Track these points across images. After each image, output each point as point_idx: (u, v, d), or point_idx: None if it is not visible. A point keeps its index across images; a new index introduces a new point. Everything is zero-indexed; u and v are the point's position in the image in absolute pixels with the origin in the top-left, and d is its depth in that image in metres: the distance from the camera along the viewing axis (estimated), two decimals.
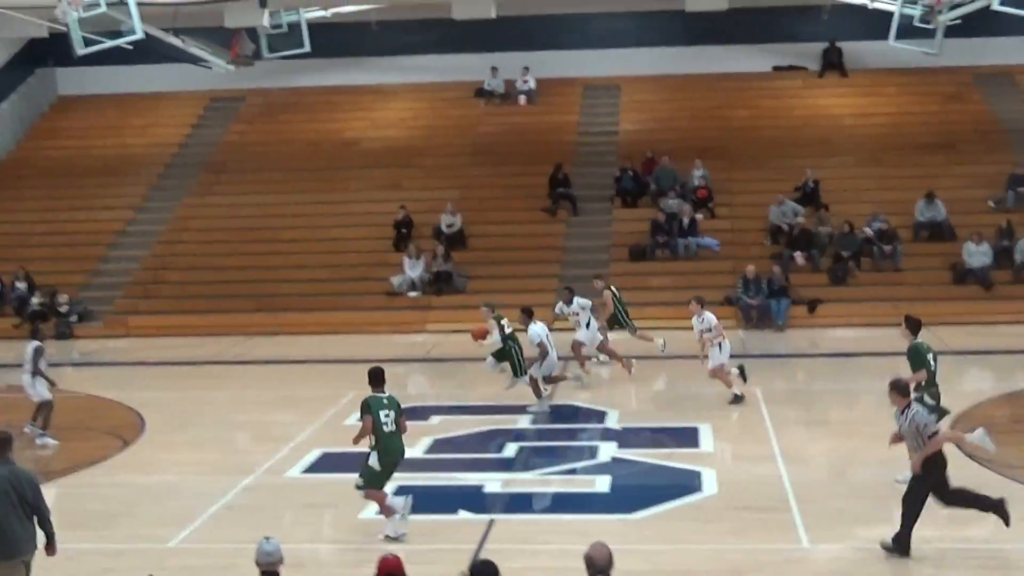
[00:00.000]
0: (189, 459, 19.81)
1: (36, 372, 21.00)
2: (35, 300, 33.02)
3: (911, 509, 14.25)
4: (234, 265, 34.83)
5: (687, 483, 17.51)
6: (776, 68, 42.06)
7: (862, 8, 34.41)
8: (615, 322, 26.80)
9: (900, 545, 14.21)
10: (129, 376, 27.36)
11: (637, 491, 17.48)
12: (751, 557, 14.34)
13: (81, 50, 27.13)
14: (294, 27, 34.44)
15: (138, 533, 15.87)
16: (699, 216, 34.77)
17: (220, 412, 23.33)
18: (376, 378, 15.60)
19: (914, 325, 17.87)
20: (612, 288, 26.96)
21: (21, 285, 33.61)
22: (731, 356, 23.44)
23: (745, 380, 23.05)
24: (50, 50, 40.63)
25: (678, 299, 31.73)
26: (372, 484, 15.46)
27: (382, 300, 33.08)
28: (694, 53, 41.16)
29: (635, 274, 33.40)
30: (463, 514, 16.39)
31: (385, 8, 37.40)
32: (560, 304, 26.01)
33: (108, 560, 14.81)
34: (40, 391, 21.11)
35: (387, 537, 15.24)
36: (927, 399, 17.28)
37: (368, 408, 15.34)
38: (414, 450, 19.71)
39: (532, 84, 41.48)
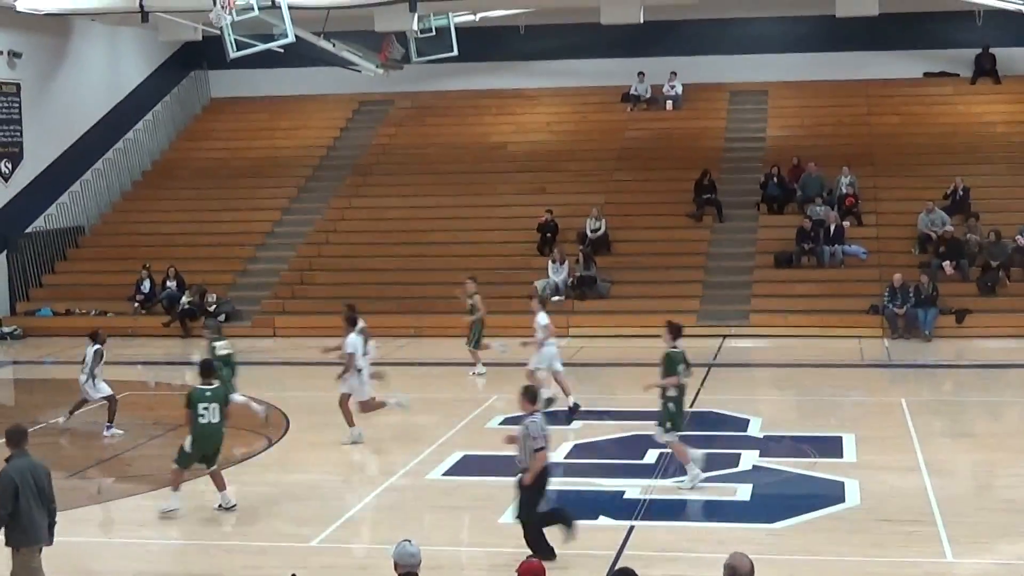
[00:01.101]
0: (332, 459, 20.04)
1: (92, 374, 21.69)
2: (184, 299, 33.68)
3: (534, 519, 14.43)
4: (379, 267, 35.16)
5: (830, 493, 17.30)
6: (927, 74, 41.33)
7: (1017, 14, 33.67)
8: (474, 330, 26.69)
9: (541, 551, 14.19)
10: (275, 376, 27.75)
11: (779, 500, 17.32)
12: (893, 570, 14.11)
13: (234, 53, 27.65)
14: (442, 31, 34.76)
15: (281, 531, 16.09)
16: (846, 223, 34.32)
17: (363, 413, 23.51)
18: (204, 371, 16.94)
19: (675, 330, 18.13)
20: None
21: (171, 284, 34.29)
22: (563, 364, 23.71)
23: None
24: (204, 53, 41.40)
25: (823, 307, 31.56)
26: (181, 463, 16.72)
27: (525, 304, 33.01)
28: (843, 59, 40.65)
29: (780, 281, 33.11)
30: (603, 520, 16.35)
31: (533, 12, 37.52)
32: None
33: (252, 557, 15.03)
34: (101, 388, 21.84)
35: (162, 512, 16.59)
36: (670, 407, 17.75)
37: (188, 400, 16.60)
38: (555, 455, 19.74)
39: (679, 89, 41.28)
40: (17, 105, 35.89)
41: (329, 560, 14.86)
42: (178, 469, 16.75)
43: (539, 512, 14.60)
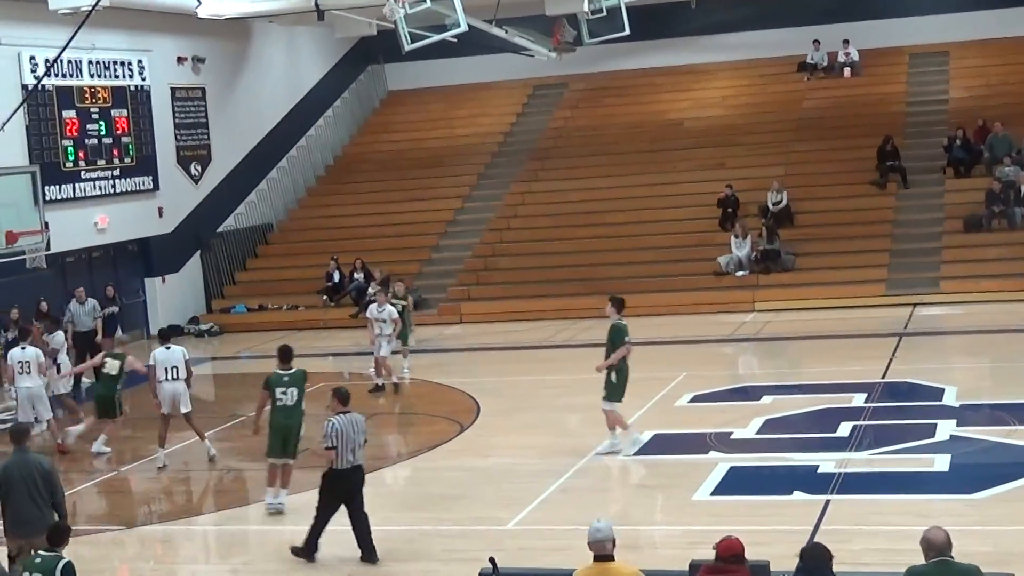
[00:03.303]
0: (523, 442, 20.19)
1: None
2: (371, 291, 34.13)
3: (318, 516, 14.71)
4: (562, 250, 35.25)
5: None
6: None
7: None
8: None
9: (306, 549, 14.67)
10: (464, 362, 28.04)
11: (978, 470, 16.97)
12: None
13: (408, 46, 27.88)
14: (613, 11, 34.61)
15: (477, 515, 16.29)
16: None
17: (552, 395, 23.69)
18: (283, 355, 17.12)
19: (618, 304, 18.59)
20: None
21: (359, 276, 34.83)
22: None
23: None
24: (379, 47, 41.95)
25: (1017, 270, 30.73)
26: (269, 453, 16.87)
27: (709, 280, 32.95)
28: None
29: (971, 246, 32.32)
30: (798, 495, 16.22)
31: None
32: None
33: (449, 541, 15.25)
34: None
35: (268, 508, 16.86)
36: (613, 378, 18.33)
37: (267, 383, 16.90)
38: (746, 431, 19.66)
39: (855, 55, 40.55)
40: (203, 109, 36.79)
41: (526, 542, 15.00)
42: (272, 464, 16.89)
43: (323, 510, 14.74)
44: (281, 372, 16.95)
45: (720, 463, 17.78)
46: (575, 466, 18.25)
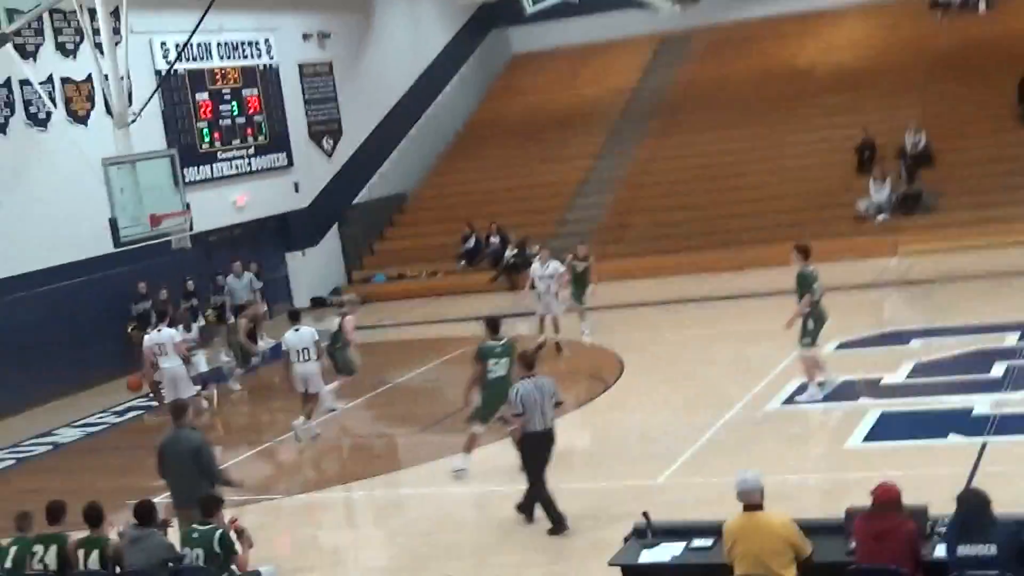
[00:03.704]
0: (669, 397, 20.14)
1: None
2: (508, 253, 34.23)
3: (530, 479, 14.54)
4: (697, 204, 34.95)
5: None
6: None
7: None
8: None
9: (555, 519, 14.34)
10: (604, 319, 27.91)
11: None
12: None
13: (531, 8, 27.88)
14: None
15: (627, 471, 16.27)
16: None
17: (694, 349, 23.59)
18: (491, 326, 16.82)
19: (804, 251, 18.28)
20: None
21: (495, 239, 34.93)
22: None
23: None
24: (501, 11, 41.96)
25: None
26: (476, 418, 16.63)
27: (849, 226, 32.43)
28: None
29: None
30: (953, 438, 15.93)
31: None
32: None
33: (600, 498, 15.25)
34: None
35: (456, 471, 16.82)
36: (810, 323, 18.28)
37: (479, 354, 16.55)
38: (896, 376, 19.36)
39: None
40: (331, 84, 37.10)
41: (675, 496, 14.93)
42: (476, 432, 16.78)
43: (535, 478, 14.51)
44: (492, 343, 16.69)
45: (871, 409, 17.54)
46: (722, 419, 18.14)
